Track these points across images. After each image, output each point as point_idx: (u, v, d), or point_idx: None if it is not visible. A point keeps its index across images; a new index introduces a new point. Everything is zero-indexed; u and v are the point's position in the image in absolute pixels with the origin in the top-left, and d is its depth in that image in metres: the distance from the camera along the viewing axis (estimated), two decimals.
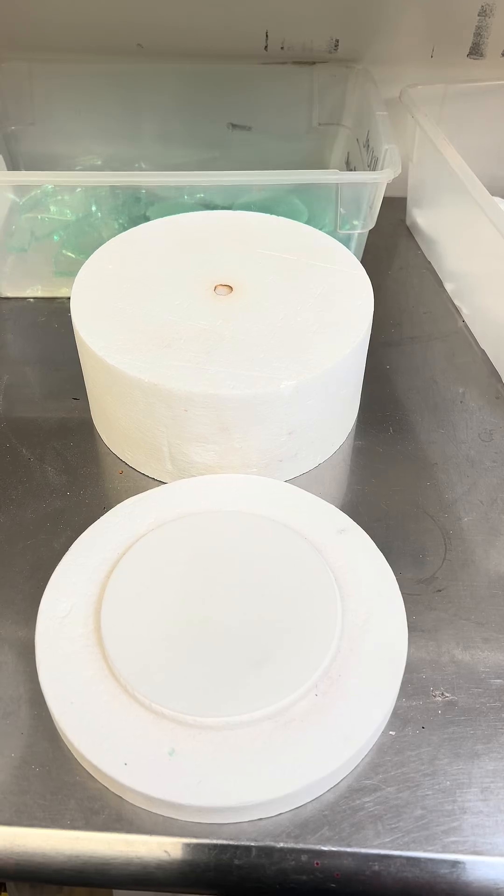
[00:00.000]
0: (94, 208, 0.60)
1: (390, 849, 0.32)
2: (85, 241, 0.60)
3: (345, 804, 0.33)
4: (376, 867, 0.32)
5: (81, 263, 0.49)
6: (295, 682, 0.34)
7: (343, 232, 0.58)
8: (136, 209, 0.60)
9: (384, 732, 0.35)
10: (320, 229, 0.53)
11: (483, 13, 0.65)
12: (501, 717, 0.36)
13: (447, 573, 0.42)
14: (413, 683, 0.37)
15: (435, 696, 0.36)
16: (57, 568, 0.39)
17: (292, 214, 0.56)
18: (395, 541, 0.43)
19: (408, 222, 0.71)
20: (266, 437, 0.43)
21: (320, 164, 0.72)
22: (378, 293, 0.48)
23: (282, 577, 0.38)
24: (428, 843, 0.32)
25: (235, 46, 0.68)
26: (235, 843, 0.32)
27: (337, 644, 0.35)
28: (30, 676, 0.37)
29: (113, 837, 0.32)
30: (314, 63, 0.68)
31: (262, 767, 0.32)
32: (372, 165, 0.60)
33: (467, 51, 0.68)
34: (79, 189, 0.59)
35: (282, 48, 0.68)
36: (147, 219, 0.57)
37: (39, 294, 0.62)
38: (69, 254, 0.61)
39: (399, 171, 0.54)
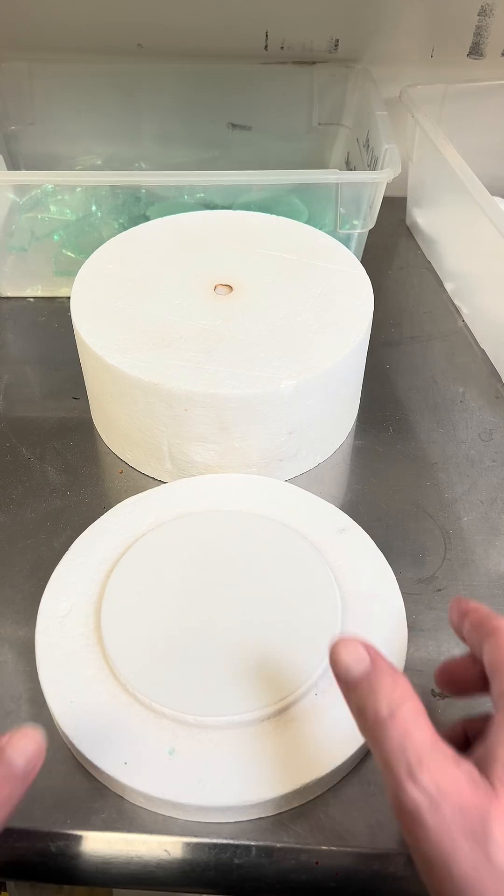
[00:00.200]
0: (94, 208, 0.61)
1: (390, 849, 0.32)
2: (85, 240, 0.60)
3: (345, 804, 0.33)
4: (376, 867, 0.31)
5: (81, 263, 0.49)
6: (295, 682, 0.34)
7: (343, 232, 0.58)
8: (136, 209, 0.60)
9: None
10: (320, 229, 0.53)
11: (483, 13, 0.65)
12: None
13: (447, 573, 0.42)
14: (413, 683, 0.37)
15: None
16: (57, 567, 0.39)
17: (292, 214, 0.56)
18: (395, 540, 0.43)
19: (408, 222, 0.71)
20: (266, 436, 0.43)
21: (320, 164, 0.72)
22: (378, 293, 0.48)
23: (282, 577, 0.38)
24: None
25: (235, 46, 0.68)
26: (235, 843, 0.32)
27: None
28: (30, 675, 0.37)
29: (113, 836, 0.32)
30: (314, 63, 0.68)
31: (262, 767, 0.32)
32: (372, 165, 0.60)
33: (467, 51, 0.68)
34: (79, 189, 0.59)
35: (282, 48, 0.68)
36: (147, 218, 0.57)
37: (39, 294, 0.62)
38: (69, 253, 0.61)
39: (399, 170, 0.54)
